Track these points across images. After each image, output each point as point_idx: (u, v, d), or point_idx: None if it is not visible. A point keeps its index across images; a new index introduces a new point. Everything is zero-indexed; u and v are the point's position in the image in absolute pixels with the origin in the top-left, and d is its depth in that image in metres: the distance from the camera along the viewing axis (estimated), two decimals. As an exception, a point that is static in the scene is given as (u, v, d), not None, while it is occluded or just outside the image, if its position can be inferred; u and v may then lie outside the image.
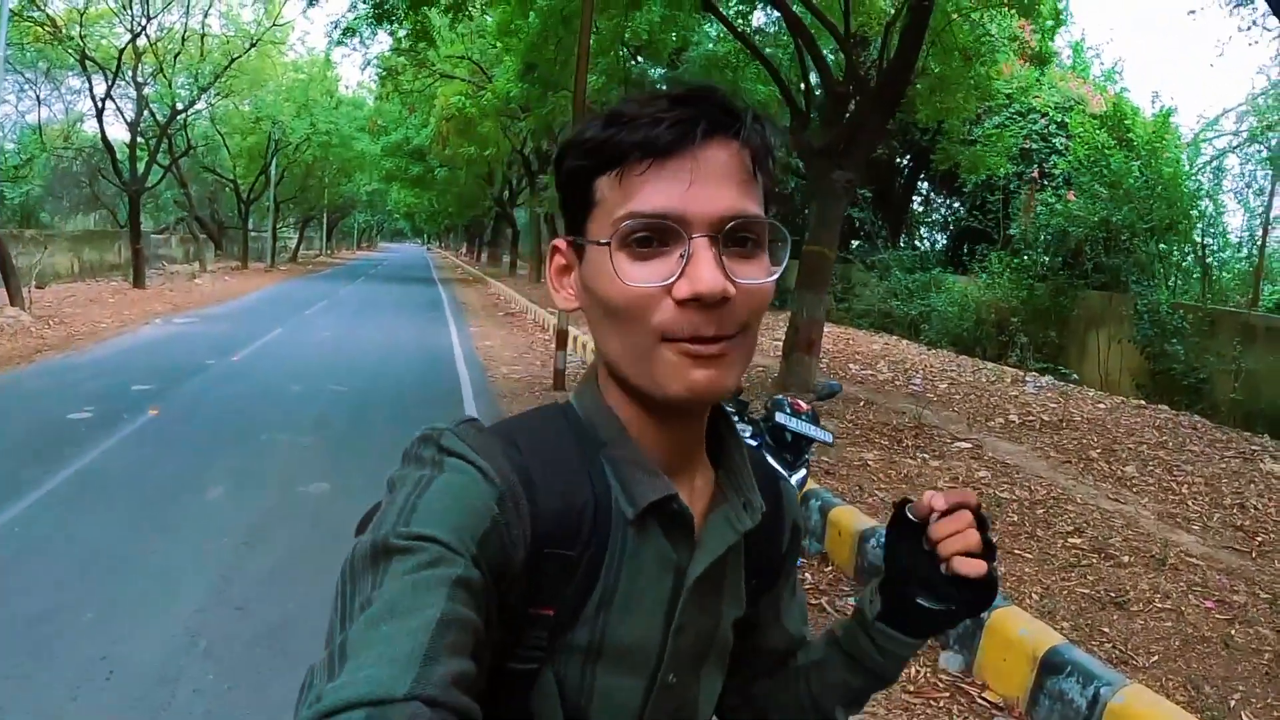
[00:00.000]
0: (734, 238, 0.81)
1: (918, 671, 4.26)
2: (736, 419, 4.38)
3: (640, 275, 0.81)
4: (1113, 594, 5.09)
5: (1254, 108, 21.19)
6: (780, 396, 4.39)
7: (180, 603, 4.57)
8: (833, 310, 22.51)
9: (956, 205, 22.29)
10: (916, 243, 23.03)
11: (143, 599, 4.59)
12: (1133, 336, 13.44)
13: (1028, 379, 11.77)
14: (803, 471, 4.26)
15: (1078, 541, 5.95)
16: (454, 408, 9.39)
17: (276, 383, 10.54)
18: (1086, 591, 5.14)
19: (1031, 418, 9.52)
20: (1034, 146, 18.34)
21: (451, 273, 42.13)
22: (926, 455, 7.75)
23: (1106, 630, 4.71)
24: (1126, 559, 5.61)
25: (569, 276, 0.92)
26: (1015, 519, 6.28)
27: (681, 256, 0.80)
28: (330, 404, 9.29)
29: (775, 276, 0.86)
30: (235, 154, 35.34)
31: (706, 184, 0.80)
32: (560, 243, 0.92)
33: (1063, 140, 17.85)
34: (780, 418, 4.16)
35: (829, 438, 4.30)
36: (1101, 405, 10.49)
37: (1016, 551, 5.70)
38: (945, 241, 21.18)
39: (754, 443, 4.20)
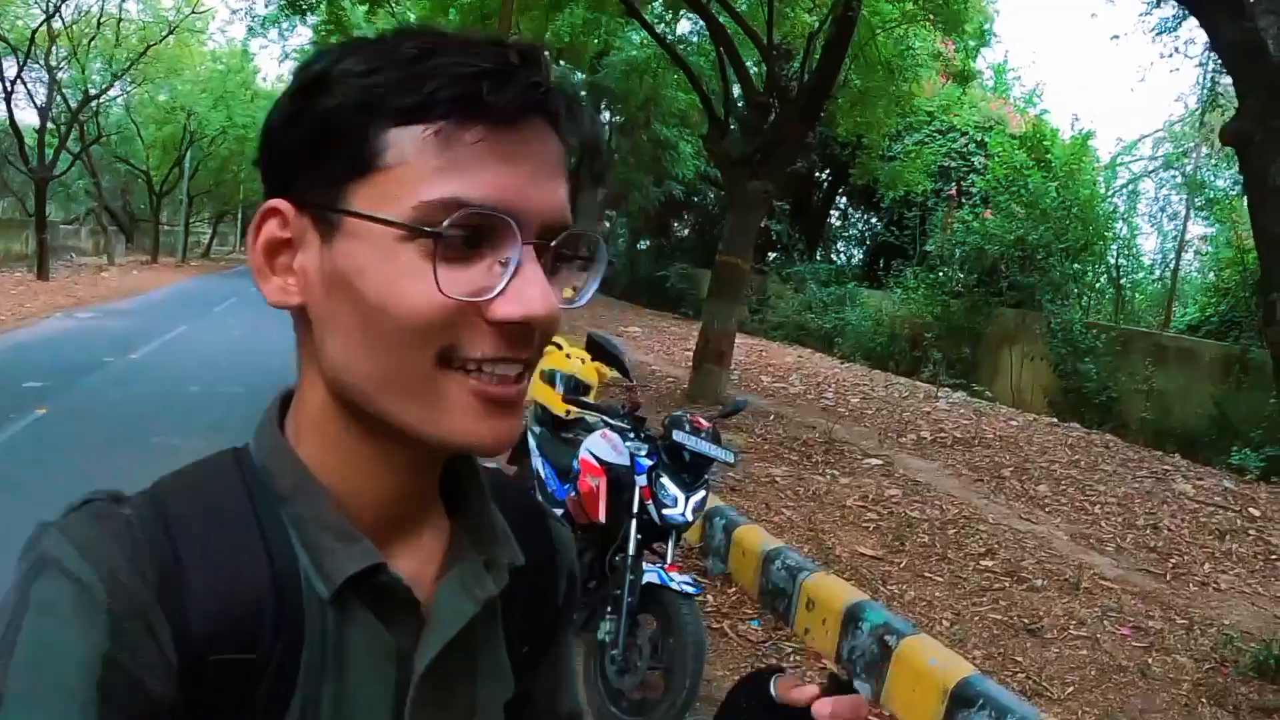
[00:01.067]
0: (558, 252, 0.67)
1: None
2: (632, 436, 4.01)
3: (456, 283, 0.61)
4: (1026, 620, 4.81)
5: (1170, 134, 21.72)
6: (680, 413, 4.07)
7: None
8: (747, 321, 22.34)
9: (873, 220, 22.37)
10: (834, 257, 23.02)
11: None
12: (1046, 354, 13.46)
13: (940, 395, 11.64)
14: (702, 492, 3.93)
15: (990, 564, 5.69)
16: None
17: (174, 383, 9.83)
18: (999, 618, 4.86)
19: (944, 434, 9.32)
20: (953, 164, 18.41)
21: None
22: (836, 472, 7.46)
23: (1020, 659, 4.42)
24: (1040, 582, 5.36)
25: (289, 257, 0.68)
26: (926, 539, 6.00)
27: (502, 264, 0.62)
28: (227, 406, 8.61)
29: (585, 299, 0.71)
30: (149, 144, 33.82)
31: (543, 177, 0.64)
32: (283, 205, 0.67)
33: (981, 159, 17.94)
34: (678, 436, 3.83)
35: (731, 457, 3.97)
36: (1014, 422, 10.37)
37: (927, 575, 5.42)
38: (862, 256, 21.15)
39: (649, 462, 3.88)
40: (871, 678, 4.22)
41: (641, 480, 3.82)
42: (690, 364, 13.11)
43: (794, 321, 18.41)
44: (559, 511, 4.28)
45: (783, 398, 10.74)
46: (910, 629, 4.34)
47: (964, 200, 17.19)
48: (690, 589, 3.63)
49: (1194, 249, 18.44)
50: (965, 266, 14.99)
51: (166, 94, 33.11)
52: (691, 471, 3.89)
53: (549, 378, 4.82)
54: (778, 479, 6.93)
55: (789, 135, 9.74)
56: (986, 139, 17.94)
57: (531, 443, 4.83)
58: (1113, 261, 14.73)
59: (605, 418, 4.15)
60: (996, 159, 16.04)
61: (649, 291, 25.40)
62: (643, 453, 3.91)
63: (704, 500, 3.97)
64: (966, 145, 18.78)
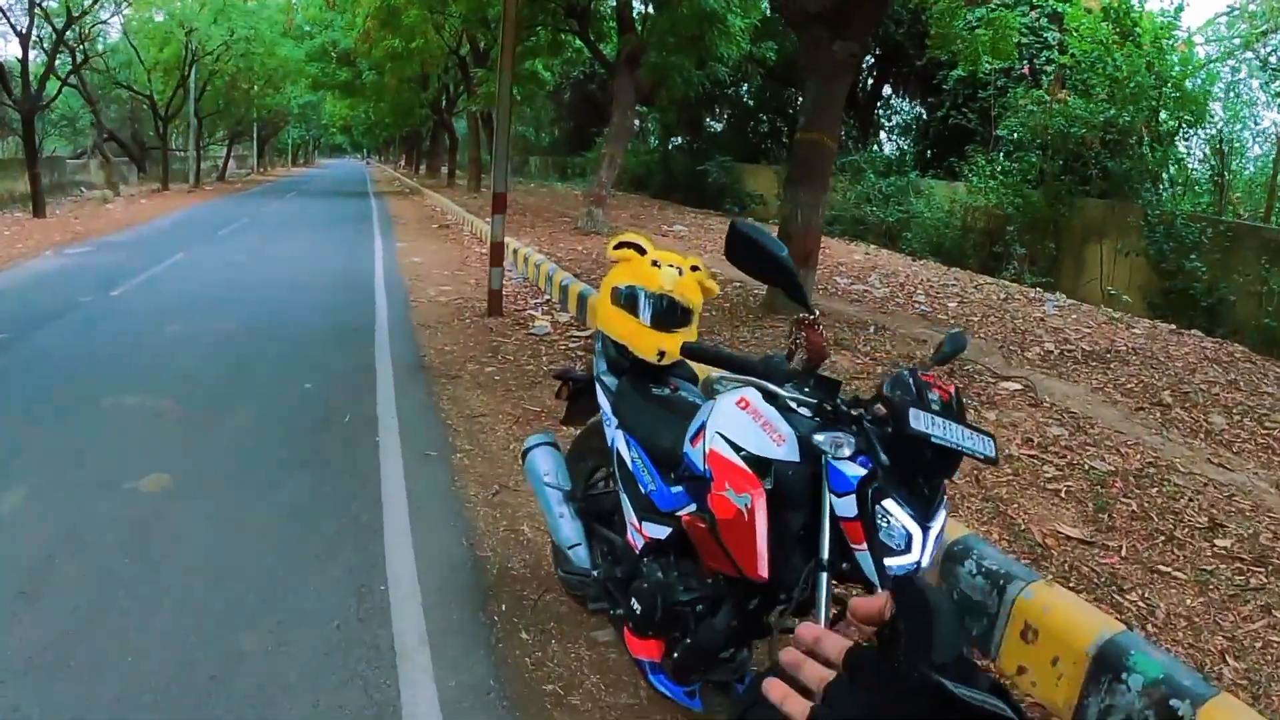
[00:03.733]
0: None
1: None
2: (814, 415, 2.19)
3: None
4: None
5: (1244, 13, 19.06)
6: (904, 371, 2.16)
7: None
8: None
9: (920, 109, 20.11)
10: (878, 147, 20.78)
11: None
12: (1142, 250, 11.55)
13: (1046, 298, 9.80)
14: (942, 516, 2.14)
15: (1226, 544, 4.01)
16: (362, 348, 7.21)
17: (150, 324, 7.99)
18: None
19: (1070, 347, 7.57)
20: (1023, 40, 16.03)
21: (388, 186, 38.03)
22: (973, 401, 5.74)
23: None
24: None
25: None
26: (1132, 506, 4.31)
27: None
28: (209, 350, 6.92)
29: None
30: (151, 67, 30.76)
31: None
32: None
33: (1055, 34, 15.58)
34: (919, 421, 1.96)
35: (990, 449, 2.13)
36: (1137, 331, 8.57)
37: (1162, 569, 3.74)
38: (913, 145, 18.85)
39: (858, 470, 2.04)
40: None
41: (848, 508, 2.03)
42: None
43: (851, 215, 16.40)
44: (663, 532, 2.55)
45: (870, 303, 8.96)
46: (1205, 687, 2.67)
47: (1039, 80, 14.93)
48: None
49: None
50: (1048, 152, 12.94)
51: (164, 16, 29.89)
52: (928, 478, 2.14)
53: (626, 298, 2.79)
54: (915, 418, 5.24)
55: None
56: (1062, 11, 15.55)
57: (604, 404, 2.92)
58: (1205, 149, 12.59)
59: (756, 380, 2.24)
60: (1075, 35, 13.78)
61: (686, 189, 23.41)
62: (842, 448, 2.06)
63: (944, 530, 2.22)
64: (1038, 20, 16.37)
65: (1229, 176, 12.67)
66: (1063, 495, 4.37)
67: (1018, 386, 6.16)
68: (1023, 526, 3.99)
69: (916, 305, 8.96)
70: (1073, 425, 5.49)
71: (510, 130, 7.98)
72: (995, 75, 14.83)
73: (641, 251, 2.88)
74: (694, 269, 2.89)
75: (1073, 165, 12.72)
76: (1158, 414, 6.00)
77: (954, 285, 10.31)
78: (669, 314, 2.77)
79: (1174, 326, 9.19)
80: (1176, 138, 12.64)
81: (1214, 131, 12.49)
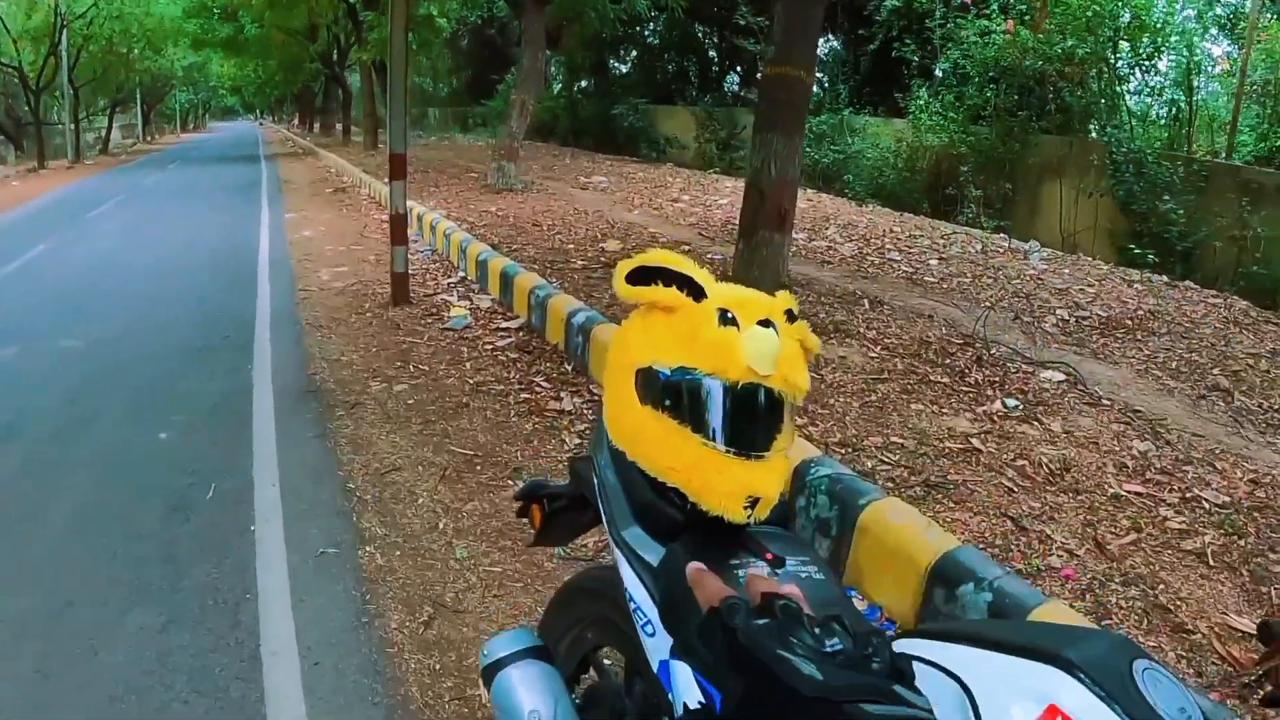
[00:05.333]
0: None
1: None
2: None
3: None
4: None
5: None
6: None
7: None
8: (712, 158, 19.00)
9: (836, 46, 18.82)
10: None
11: None
12: (1110, 190, 10.55)
13: (1028, 250, 8.67)
14: None
15: None
16: (237, 367, 5.51)
17: None
18: None
19: (1084, 313, 6.45)
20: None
21: (281, 147, 34.41)
22: (1016, 401, 4.53)
23: None
24: None
25: None
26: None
27: None
28: (42, 387, 5.12)
29: None
30: (18, 36, 27.31)
31: None
32: None
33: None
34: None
35: None
36: (1138, 287, 7.52)
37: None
38: (843, 83, 17.44)
39: None
40: None
41: None
42: (691, 222, 9.97)
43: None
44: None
45: (842, 264, 7.69)
46: None
47: (983, 8, 13.73)
48: None
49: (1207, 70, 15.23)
50: (1000, 85, 11.79)
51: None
52: None
53: (674, 394, 1.32)
54: (972, 439, 3.97)
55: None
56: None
57: (633, 588, 1.40)
58: (1188, 80, 11.52)
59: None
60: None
61: (596, 135, 21.78)
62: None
63: None
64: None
65: (1201, 108, 11.74)
66: (1208, 560, 3.18)
67: (1061, 376, 4.97)
68: (1189, 626, 2.79)
69: (894, 265, 7.72)
70: (1149, 432, 4.32)
71: (406, 81, 6.28)
72: (935, 3, 13.60)
73: (692, 290, 1.45)
74: (789, 315, 1.46)
75: (1028, 100, 11.61)
76: (1221, 403, 4.92)
77: (920, 236, 9.10)
78: (765, 423, 1.38)
79: (1166, 279, 8.18)
80: (1138, 70, 11.64)
81: (1176, 62, 11.50)
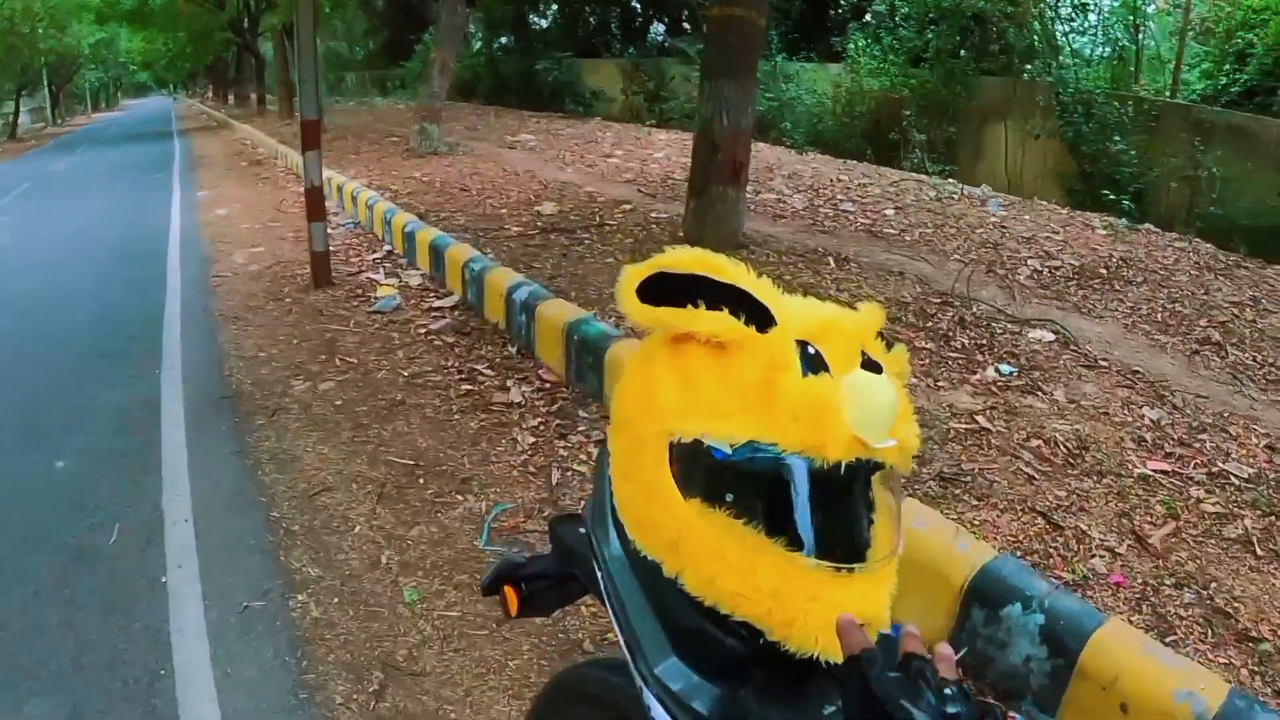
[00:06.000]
0: None
1: None
2: None
3: None
4: None
5: None
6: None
7: None
8: (641, 111, 18.33)
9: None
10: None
11: None
12: (1058, 131, 10.30)
13: (986, 197, 8.32)
14: None
15: None
16: (144, 370, 4.82)
17: None
18: None
19: (1055, 263, 6.12)
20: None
21: (194, 122, 32.10)
22: (1011, 367, 4.16)
23: None
24: None
25: None
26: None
27: None
28: None
29: None
30: None
31: None
32: None
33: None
34: None
35: None
36: (1101, 233, 7.24)
37: None
38: (773, 27, 16.88)
39: None
40: None
41: None
42: (628, 179, 9.42)
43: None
44: None
45: (797, 219, 7.23)
46: None
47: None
48: None
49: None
50: (942, 26, 11.41)
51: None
52: None
53: (738, 483, 0.85)
54: (978, 418, 3.57)
55: None
56: None
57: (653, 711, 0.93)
58: (1131, 18, 11.27)
59: None
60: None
61: (519, 92, 20.93)
62: None
63: None
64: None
65: (1139, 50, 11.52)
66: (1255, 549, 2.83)
67: (1050, 336, 4.62)
68: (1254, 633, 2.42)
69: (850, 217, 7.30)
70: (1153, 395, 3.99)
71: (316, 44, 5.58)
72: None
73: (752, 312, 0.94)
74: (885, 342, 0.99)
75: (969, 42, 11.26)
76: (1216, 359, 4.63)
77: (870, 184, 8.69)
78: (865, 515, 0.91)
79: (1127, 222, 7.91)
80: (1078, 10, 11.36)
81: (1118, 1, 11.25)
